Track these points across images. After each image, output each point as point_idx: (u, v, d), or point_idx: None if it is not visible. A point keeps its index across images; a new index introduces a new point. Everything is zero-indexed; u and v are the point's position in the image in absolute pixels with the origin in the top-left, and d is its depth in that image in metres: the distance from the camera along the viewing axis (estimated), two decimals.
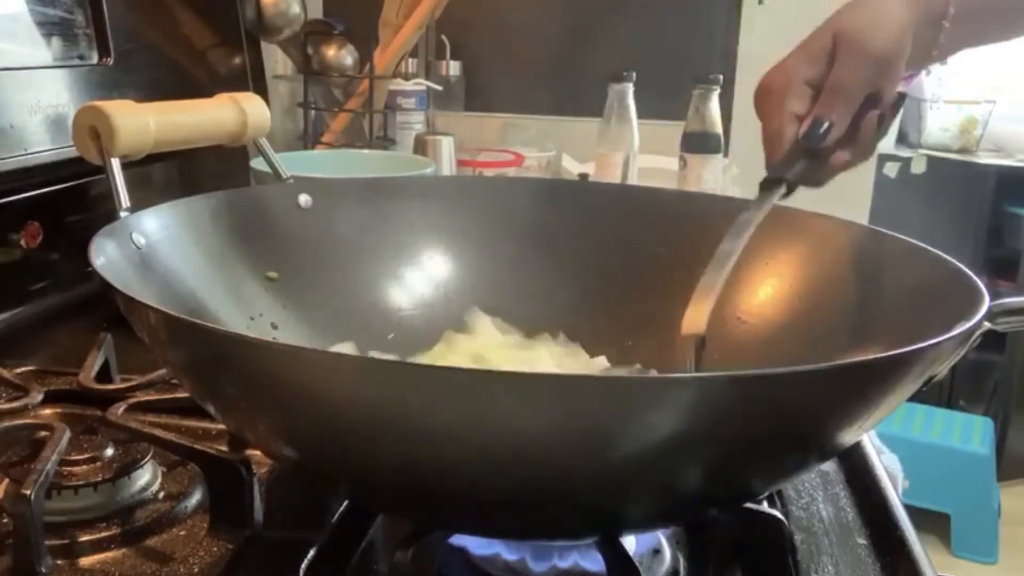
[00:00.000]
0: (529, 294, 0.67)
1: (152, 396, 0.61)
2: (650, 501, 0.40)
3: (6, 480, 0.50)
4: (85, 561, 0.47)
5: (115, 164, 0.54)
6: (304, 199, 0.65)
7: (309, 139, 1.29)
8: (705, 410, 0.34)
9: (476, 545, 0.47)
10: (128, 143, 0.55)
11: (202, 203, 0.58)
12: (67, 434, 0.52)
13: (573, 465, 0.36)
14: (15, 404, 0.59)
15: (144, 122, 0.56)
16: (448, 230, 0.68)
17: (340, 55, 1.31)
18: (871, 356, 0.37)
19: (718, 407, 0.34)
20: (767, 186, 0.57)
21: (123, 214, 0.52)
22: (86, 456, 0.52)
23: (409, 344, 0.63)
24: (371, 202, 0.67)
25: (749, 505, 0.46)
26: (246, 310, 0.58)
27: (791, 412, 0.37)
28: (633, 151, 1.24)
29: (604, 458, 0.36)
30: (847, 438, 0.41)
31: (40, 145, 0.77)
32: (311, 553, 0.45)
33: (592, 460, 0.36)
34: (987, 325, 0.42)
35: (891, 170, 2.50)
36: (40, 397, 0.61)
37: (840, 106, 0.57)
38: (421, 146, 1.23)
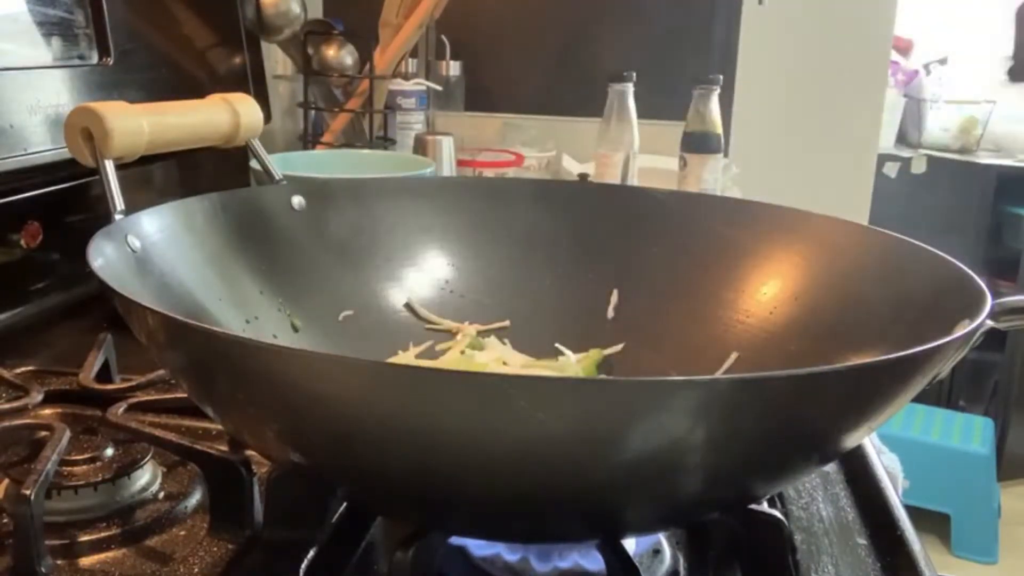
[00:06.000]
0: (527, 294, 0.67)
1: (152, 396, 0.61)
2: (655, 504, 0.40)
3: (6, 480, 0.50)
4: (85, 561, 0.47)
5: (109, 166, 0.52)
6: (297, 200, 0.64)
7: (309, 139, 1.29)
8: (712, 411, 0.34)
9: (476, 545, 0.47)
10: (122, 145, 0.53)
11: (196, 205, 0.58)
12: (67, 434, 0.51)
13: (582, 467, 0.36)
14: (15, 404, 0.59)
15: (138, 123, 0.54)
16: (444, 231, 0.68)
17: (340, 55, 1.31)
18: (880, 358, 0.37)
19: (725, 408, 0.34)
20: None
21: (117, 217, 0.51)
22: (86, 456, 0.52)
23: (401, 345, 0.63)
24: (364, 203, 0.67)
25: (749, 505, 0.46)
26: (243, 312, 0.58)
27: (799, 414, 0.37)
28: (633, 151, 1.24)
29: (611, 460, 0.36)
30: (853, 440, 0.41)
31: (40, 145, 0.77)
32: (311, 553, 0.45)
33: (600, 462, 0.36)
34: (990, 324, 0.42)
35: (891, 170, 2.50)
36: (40, 397, 0.61)
37: None
38: (421, 146, 1.23)
